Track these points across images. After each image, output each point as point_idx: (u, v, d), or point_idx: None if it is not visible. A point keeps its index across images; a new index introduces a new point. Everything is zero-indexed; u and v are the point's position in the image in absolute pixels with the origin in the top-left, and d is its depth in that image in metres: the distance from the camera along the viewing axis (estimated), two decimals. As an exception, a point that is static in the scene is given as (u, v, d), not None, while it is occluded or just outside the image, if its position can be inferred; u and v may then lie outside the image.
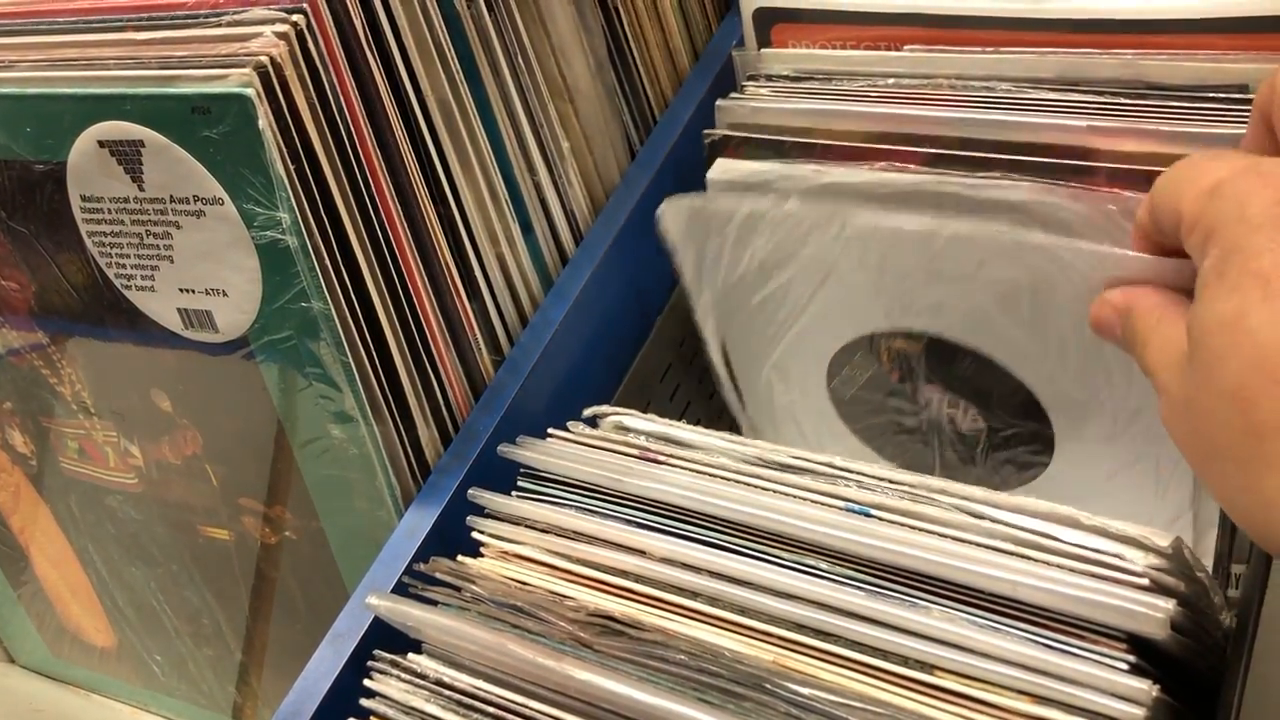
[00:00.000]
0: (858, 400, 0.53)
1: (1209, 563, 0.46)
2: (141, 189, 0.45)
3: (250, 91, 0.41)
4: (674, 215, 0.51)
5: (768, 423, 0.57)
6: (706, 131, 0.52)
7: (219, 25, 0.43)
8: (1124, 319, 0.36)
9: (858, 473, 0.40)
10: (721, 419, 0.63)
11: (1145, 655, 0.33)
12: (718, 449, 0.43)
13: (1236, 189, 0.30)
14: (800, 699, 0.34)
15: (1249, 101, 0.43)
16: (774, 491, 0.40)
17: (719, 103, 0.52)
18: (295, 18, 0.42)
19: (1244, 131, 0.37)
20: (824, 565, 0.37)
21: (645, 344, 0.57)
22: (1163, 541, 0.34)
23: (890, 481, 0.39)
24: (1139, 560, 0.34)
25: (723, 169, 0.51)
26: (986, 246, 0.43)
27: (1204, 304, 0.30)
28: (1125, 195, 0.43)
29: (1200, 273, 0.31)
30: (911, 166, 0.47)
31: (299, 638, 0.57)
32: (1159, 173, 0.35)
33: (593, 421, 0.47)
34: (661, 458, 0.42)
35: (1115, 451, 0.47)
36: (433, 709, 0.39)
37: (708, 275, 0.52)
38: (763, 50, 0.53)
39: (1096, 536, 0.35)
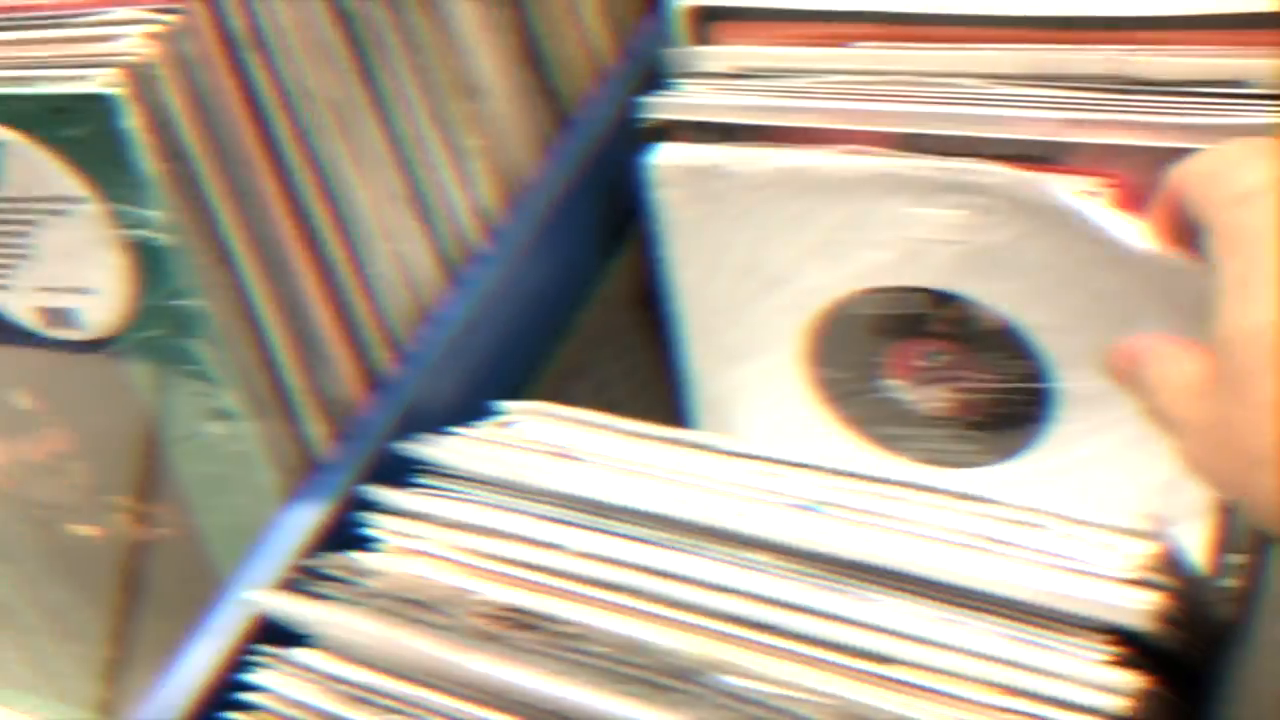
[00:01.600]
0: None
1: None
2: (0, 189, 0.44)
3: (113, 91, 0.40)
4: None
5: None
6: (645, 116, 0.48)
7: (86, 26, 0.42)
8: (1132, 368, 0.36)
9: (811, 467, 0.39)
10: (649, 418, 0.62)
11: (1137, 647, 0.33)
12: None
13: (1269, 204, 0.30)
14: (736, 690, 0.34)
15: (1243, 96, 0.41)
16: (702, 488, 0.39)
17: (644, 99, 0.49)
18: (167, 17, 0.41)
19: (1239, 125, 0.37)
20: (763, 558, 0.37)
21: (564, 340, 0.55)
22: (1147, 545, 0.34)
23: (841, 474, 0.39)
24: (1120, 560, 0.34)
25: (669, 153, 0.48)
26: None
27: (1231, 316, 0.30)
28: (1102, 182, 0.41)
29: (1221, 280, 0.30)
30: (879, 150, 0.44)
31: (173, 634, 0.56)
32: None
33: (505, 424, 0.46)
34: (576, 455, 0.42)
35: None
36: (318, 703, 0.39)
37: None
38: (697, 47, 0.49)
39: (1075, 541, 0.35)
